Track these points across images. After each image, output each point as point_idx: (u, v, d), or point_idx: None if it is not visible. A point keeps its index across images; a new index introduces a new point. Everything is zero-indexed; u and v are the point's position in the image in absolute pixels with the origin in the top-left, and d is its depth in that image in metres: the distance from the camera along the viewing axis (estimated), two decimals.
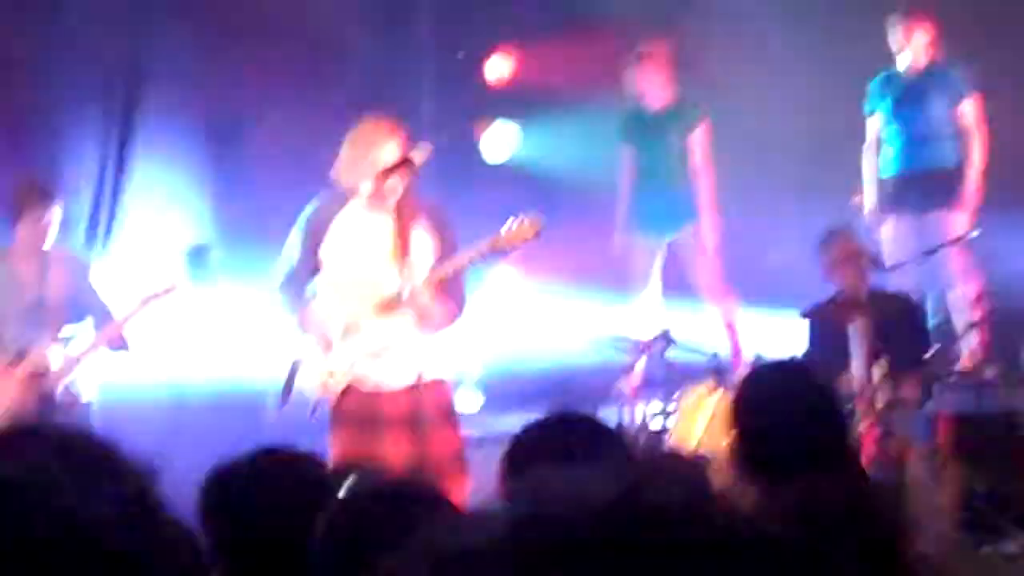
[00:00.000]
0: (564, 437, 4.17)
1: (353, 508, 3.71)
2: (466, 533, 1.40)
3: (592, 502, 1.37)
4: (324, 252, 7.89)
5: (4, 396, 9.14)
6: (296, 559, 3.40)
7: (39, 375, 9.16)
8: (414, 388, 7.68)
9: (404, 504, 3.60)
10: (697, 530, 1.34)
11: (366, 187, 7.75)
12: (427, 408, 7.71)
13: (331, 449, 7.73)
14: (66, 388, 9.22)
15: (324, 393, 7.83)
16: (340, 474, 4.33)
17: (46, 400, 9.10)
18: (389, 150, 7.78)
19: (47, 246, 9.37)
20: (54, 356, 9.20)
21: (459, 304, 7.86)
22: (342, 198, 7.89)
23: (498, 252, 7.81)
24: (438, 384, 7.85)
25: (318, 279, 7.98)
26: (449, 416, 7.87)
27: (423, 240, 7.78)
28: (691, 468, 5.32)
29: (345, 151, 7.88)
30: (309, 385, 7.90)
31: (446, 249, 7.74)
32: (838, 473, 4.48)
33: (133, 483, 1.78)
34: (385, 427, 7.73)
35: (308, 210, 8.00)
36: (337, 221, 7.91)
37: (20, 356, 9.21)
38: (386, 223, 7.76)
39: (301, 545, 3.52)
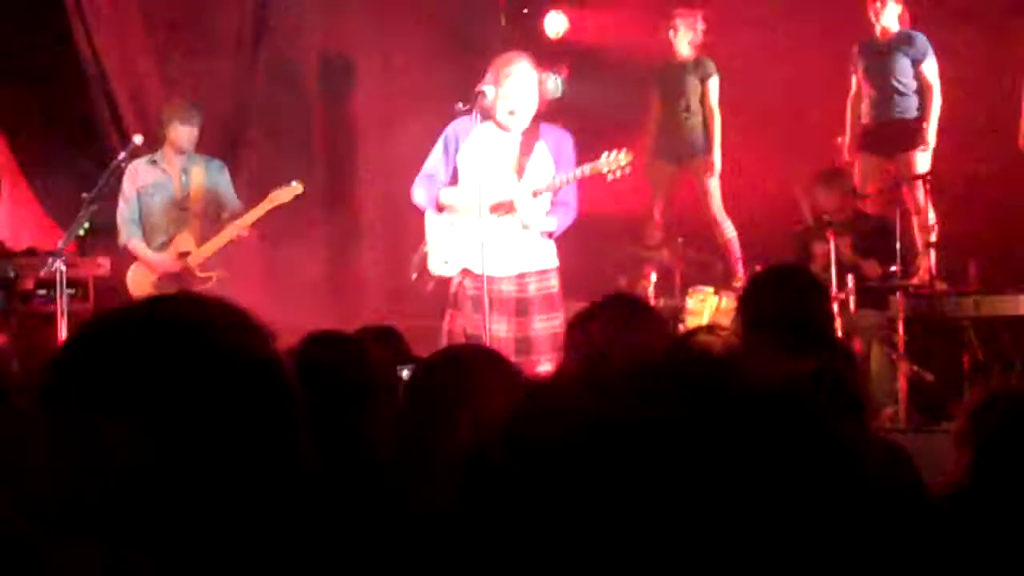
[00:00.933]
0: (619, 311, 4.16)
1: (429, 370, 3.63)
2: (542, 411, 1.37)
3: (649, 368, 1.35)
4: (460, 159, 7.82)
5: (153, 274, 9.16)
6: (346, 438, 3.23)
7: (183, 255, 9.13)
8: (520, 276, 7.71)
9: (469, 369, 3.48)
10: (734, 388, 1.33)
11: (501, 111, 7.71)
12: (533, 293, 7.71)
13: (446, 323, 7.80)
14: (202, 267, 9.18)
15: (444, 270, 7.82)
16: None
17: (188, 276, 9.07)
18: (523, 83, 7.74)
19: (189, 152, 9.31)
20: (192, 242, 9.17)
21: (567, 212, 7.78)
22: (479, 117, 7.71)
23: (597, 175, 7.67)
24: (542, 274, 7.77)
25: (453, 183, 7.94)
26: (550, 302, 7.70)
27: (542, 159, 7.75)
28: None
29: (488, 79, 7.77)
30: (433, 265, 7.89)
31: (562, 168, 7.71)
32: (828, 354, 4.36)
33: (266, 336, 1.79)
34: (495, 306, 7.61)
35: (450, 126, 7.92)
36: (473, 135, 7.77)
37: (168, 241, 9.21)
38: (513, 141, 7.78)
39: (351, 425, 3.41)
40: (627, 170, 7.69)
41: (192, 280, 9.03)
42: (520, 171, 7.77)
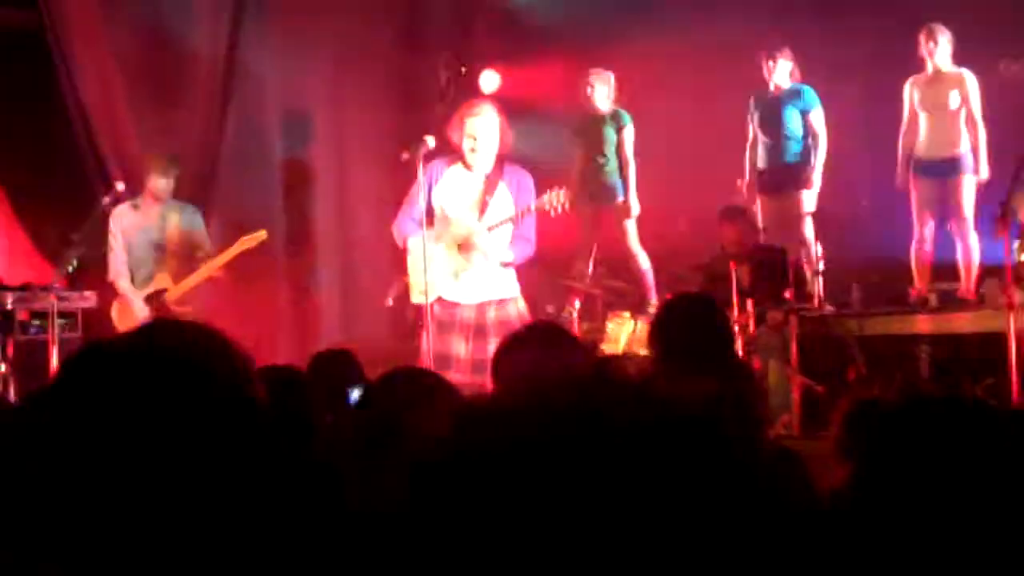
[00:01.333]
0: (543, 338, 4.00)
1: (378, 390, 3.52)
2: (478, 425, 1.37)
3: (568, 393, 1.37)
4: (434, 197, 7.80)
5: (135, 310, 9.09)
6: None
7: (160, 294, 9.11)
8: (481, 304, 7.70)
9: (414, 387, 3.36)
10: (643, 410, 1.34)
11: (466, 150, 7.75)
12: (491, 319, 7.68)
13: (422, 343, 7.76)
14: (179, 302, 9.14)
15: (420, 298, 7.76)
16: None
17: (165, 310, 9.02)
18: (485, 124, 7.77)
19: (166, 199, 9.31)
20: (169, 280, 9.17)
21: (525, 245, 7.76)
22: (452, 159, 7.83)
23: (541, 210, 7.67)
24: (501, 302, 7.75)
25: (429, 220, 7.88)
26: (507, 327, 7.28)
27: (503, 197, 7.75)
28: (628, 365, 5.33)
29: (456, 127, 7.83)
30: (413, 296, 7.88)
31: (520, 205, 7.70)
32: (730, 373, 4.37)
33: (241, 358, 1.78)
34: (458, 328, 7.67)
35: (426, 169, 7.86)
36: (444, 176, 7.82)
37: (148, 279, 9.18)
38: (478, 181, 7.79)
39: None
40: (567, 206, 7.69)
41: (166, 313, 8.94)
42: (483, 208, 7.75)
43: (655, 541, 1.26)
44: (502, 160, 7.90)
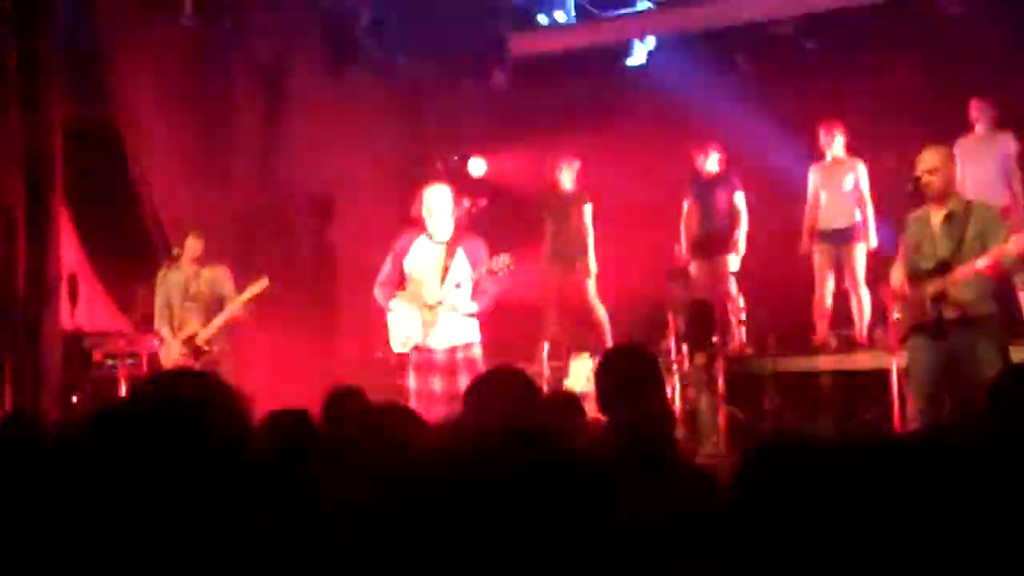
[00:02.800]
0: (504, 380, 3.98)
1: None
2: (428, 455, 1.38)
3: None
4: (405, 265, 7.72)
5: (173, 351, 8.95)
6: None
7: (191, 338, 8.94)
8: (450, 348, 7.60)
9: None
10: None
11: (431, 227, 7.68)
12: (459, 360, 7.57)
13: (406, 383, 7.71)
14: (207, 343, 8.99)
15: (402, 348, 7.72)
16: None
17: (196, 350, 8.92)
18: (439, 198, 7.69)
19: (198, 260, 9.17)
20: (200, 327, 9.04)
21: (486, 298, 7.59)
22: (419, 231, 7.73)
23: (491, 272, 7.46)
24: (466, 346, 7.61)
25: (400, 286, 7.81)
26: (472, 366, 7.43)
27: (461, 261, 7.60)
28: (570, 402, 5.37)
29: (418, 203, 7.74)
30: (394, 346, 7.78)
31: (477, 266, 7.53)
32: (651, 407, 4.17)
33: (240, 405, 1.69)
34: (434, 372, 7.57)
35: (397, 242, 7.83)
36: (413, 247, 7.70)
37: (181, 328, 9.03)
38: (440, 249, 7.65)
39: None
40: (512, 267, 7.47)
41: (198, 353, 8.86)
42: (445, 271, 7.58)
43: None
44: (460, 230, 7.79)
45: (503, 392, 3.84)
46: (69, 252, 9.64)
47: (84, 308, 9.64)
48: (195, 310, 9.01)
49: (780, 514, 1.65)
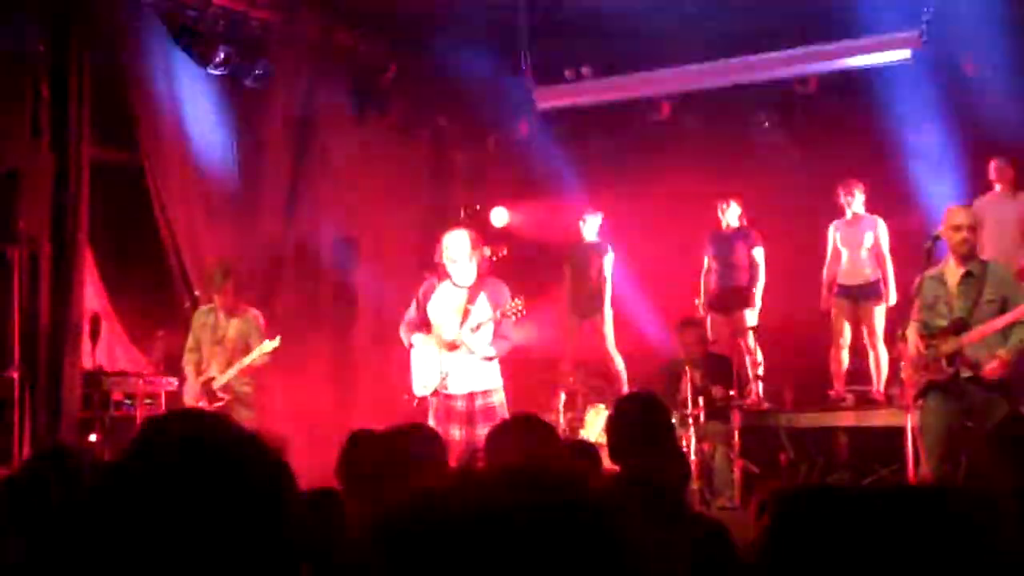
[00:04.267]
0: (524, 427, 3.99)
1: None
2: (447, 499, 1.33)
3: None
4: (428, 309, 7.82)
5: (192, 391, 8.91)
6: None
7: (209, 382, 8.83)
8: (469, 394, 7.65)
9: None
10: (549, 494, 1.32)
11: (454, 273, 7.76)
12: (478, 407, 7.61)
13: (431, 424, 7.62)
14: (229, 384, 8.92)
15: (423, 391, 7.75)
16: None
17: (212, 395, 8.85)
18: (458, 243, 7.77)
19: (231, 304, 9.07)
20: (219, 373, 8.97)
21: (505, 344, 7.69)
22: (442, 277, 7.83)
23: (505, 316, 7.58)
24: (486, 392, 7.67)
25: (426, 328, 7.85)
26: (490, 414, 7.46)
27: (482, 304, 7.68)
28: (586, 451, 5.34)
29: (439, 249, 7.83)
30: (416, 390, 7.81)
31: (497, 310, 7.63)
32: (664, 456, 4.36)
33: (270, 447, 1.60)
34: (453, 417, 7.61)
35: (421, 288, 7.97)
36: (436, 292, 7.80)
37: (206, 369, 8.94)
38: (462, 293, 7.74)
39: None
40: (523, 312, 7.60)
41: (212, 398, 8.80)
42: (465, 315, 7.64)
43: None
44: (482, 276, 7.83)
45: (523, 440, 3.85)
46: (92, 292, 9.64)
47: (104, 348, 9.68)
48: (220, 354, 8.97)
49: (809, 561, 1.59)
